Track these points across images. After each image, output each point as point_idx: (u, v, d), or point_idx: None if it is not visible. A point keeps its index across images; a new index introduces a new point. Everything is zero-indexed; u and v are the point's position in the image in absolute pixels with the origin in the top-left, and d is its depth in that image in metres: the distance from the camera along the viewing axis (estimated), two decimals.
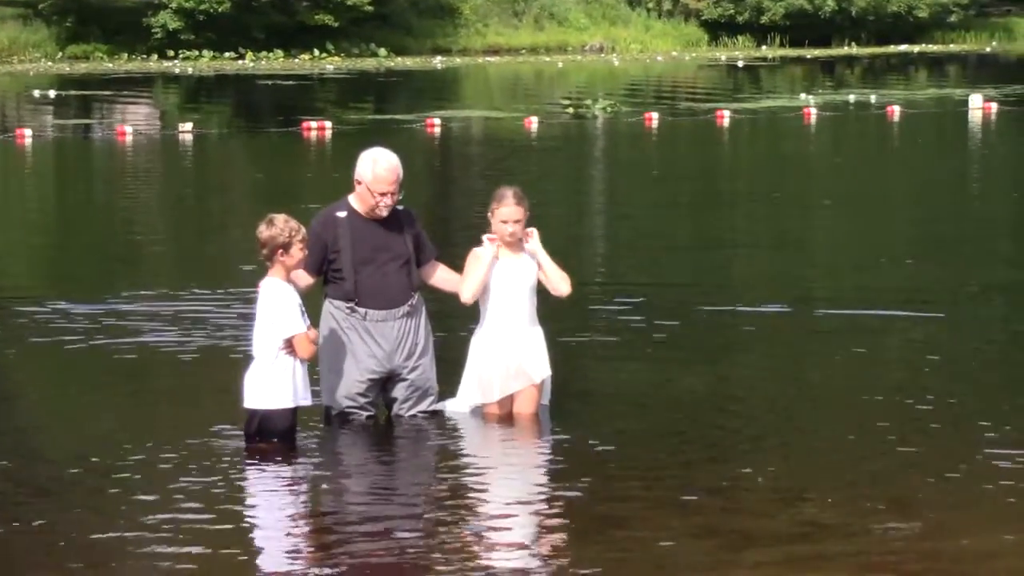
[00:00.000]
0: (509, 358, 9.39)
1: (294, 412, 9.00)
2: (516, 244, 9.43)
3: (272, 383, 8.88)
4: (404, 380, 9.51)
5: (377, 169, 9.26)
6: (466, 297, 9.42)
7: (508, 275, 9.40)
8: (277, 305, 8.85)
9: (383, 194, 9.26)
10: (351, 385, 9.39)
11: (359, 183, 9.32)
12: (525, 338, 9.42)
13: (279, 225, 8.85)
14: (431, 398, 9.60)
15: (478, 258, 9.40)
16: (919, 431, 9.36)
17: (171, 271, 15.82)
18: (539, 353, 9.46)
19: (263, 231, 8.87)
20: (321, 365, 9.47)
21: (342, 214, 9.38)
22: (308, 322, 8.96)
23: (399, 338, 9.42)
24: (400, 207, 9.44)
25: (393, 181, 9.27)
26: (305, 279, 9.27)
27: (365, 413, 9.47)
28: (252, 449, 8.92)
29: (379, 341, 9.38)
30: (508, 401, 9.47)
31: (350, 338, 9.35)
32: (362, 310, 9.34)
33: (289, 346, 8.85)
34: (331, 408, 9.44)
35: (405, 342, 9.45)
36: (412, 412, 9.55)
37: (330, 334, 9.39)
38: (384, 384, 9.52)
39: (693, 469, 8.63)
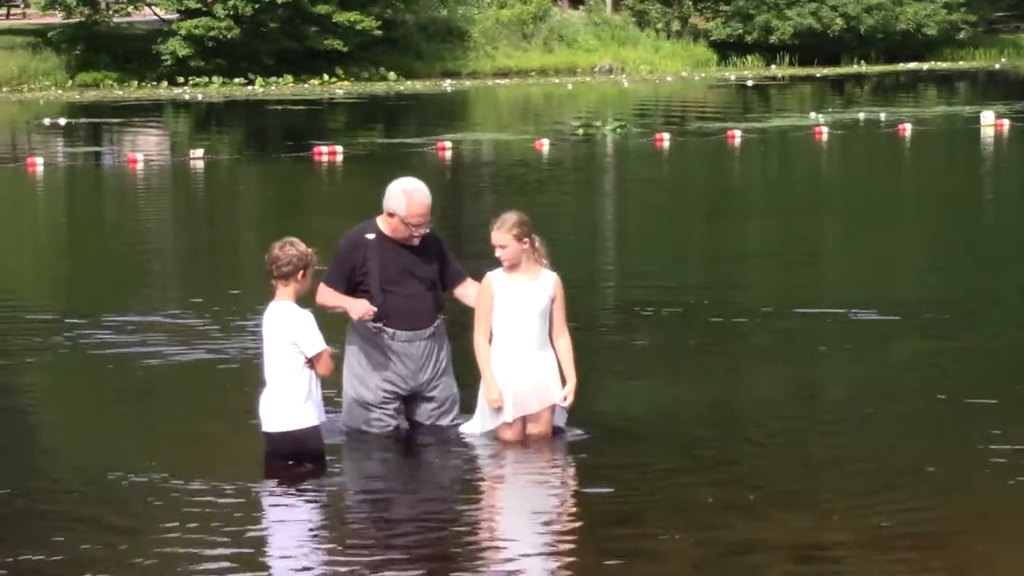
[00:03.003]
0: (517, 383, 9.38)
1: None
2: (525, 269, 9.39)
3: (301, 402, 8.91)
4: (427, 398, 9.71)
5: (412, 205, 9.41)
6: (479, 344, 9.41)
7: (516, 300, 9.38)
8: (302, 325, 8.89)
9: (417, 226, 9.42)
10: (373, 400, 9.58)
11: (392, 215, 9.45)
12: (534, 363, 9.40)
13: (301, 247, 8.90)
14: (454, 413, 9.76)
15: (488, 285, 9.41)
16: (936, 438, 9.44)
17: (184, 291, 15.73)
18: (549, 378, 9.44)
19: (286, 249, 8.92)
20: (345, 380, 9.62)
21: (371, 236, 9.52)
22: None
23: (423, 358, 9.61)
24: (426, 230, 9.55)
25: (426, 213, 9.44)
26: (335, 296, 9.41)
27: (386, 427, 9.61)
28: (271, 469, 8.92)
29: (404, 361, 9.55)
30: (520, 423, 9.47)
31: (375, 355, 9.53)
32: (389, 330, 9.52)
33: (311, 364, 8.88)
34: (351, 421, 9.63)
35: (429, 362, 9.64)
36: (435, 424, 9.71)
37: (356, 350, 9.58)
38: (406, 401, 9.70)
39: (707, 488, 8.58)
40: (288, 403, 8.91)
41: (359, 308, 9.35)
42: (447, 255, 9.77)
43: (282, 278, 8.93)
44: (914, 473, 8.73)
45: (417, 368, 9.58)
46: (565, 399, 9.44)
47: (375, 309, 9.37)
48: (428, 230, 9.53)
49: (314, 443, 8.97)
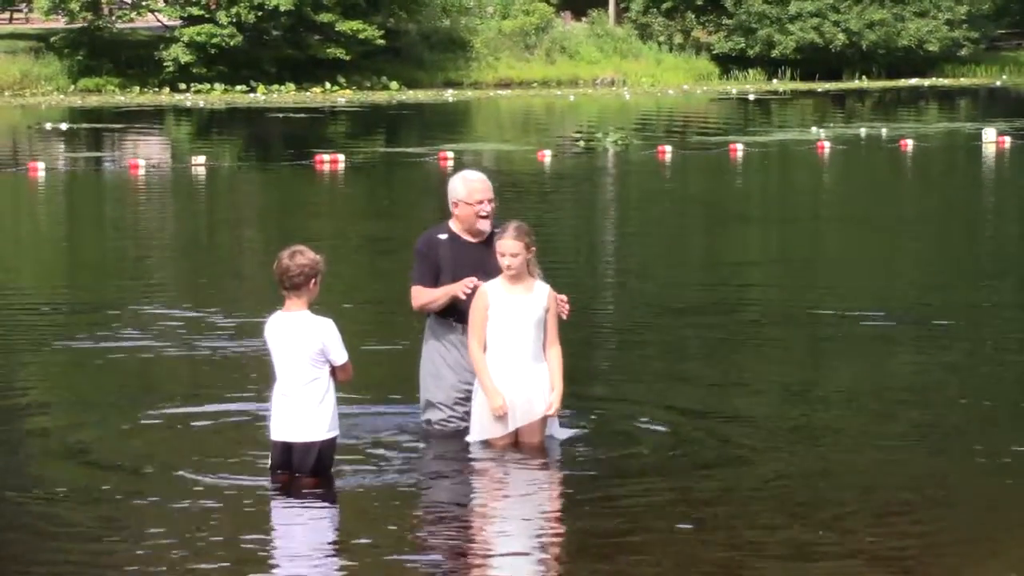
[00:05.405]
0: (511, 395, 9.39)
1: None
2: (521, 279, 9.41)
3: (329, 412, 8.86)
4: None
5: (468, 183, 9.68)
6: (475, 354, 9.44)
7: (511, 311, 9.40)
8: (331, 334, 8.83)
9: (479, 202, 9.62)
10: (444, 400, 9.79)
11: (455, 204, 9.69)
12: (528, 376, 9.43)
13: (311, 254, 8.80)
14: None
15: (482, 295, 9.41)
16: (938, 447, 9.49)
17: (183, 293, 15.71)
18: (542, 391, 9.46)
19: (296, 259, 8.78)
20: (421, 379, 9.86)
21: (443, 236, 9.77)
22: None
23: None
24: (497, 230, 9.60)
25: (485, 189, 9.67)
26: (431, 291, 9.59)
27: (455, 428, 9.76)
28: (274, 479, 8.85)
29: None
30: (514, 433, 9.50)
31: (449, 355, 9.74)
32: (459, 325, 9.67)
33: (332, 373, 8.86)
34: (428, 419, 9.85)
35: None
36: None
37: (431, 348, 9.82)
38: None
39: (699, 496, 8.61)
40: (316, 413, 8.79)
41: (460, 284, 9.50)
42: None
43: (294, 288, 8.79)
44: (915, 484, 8.72)
45: None
46: (551, 407, 9.45)
47: (474, 278, 9.46)
48: (494, 209, 9.65)
49: (331, 455, 8.89)
